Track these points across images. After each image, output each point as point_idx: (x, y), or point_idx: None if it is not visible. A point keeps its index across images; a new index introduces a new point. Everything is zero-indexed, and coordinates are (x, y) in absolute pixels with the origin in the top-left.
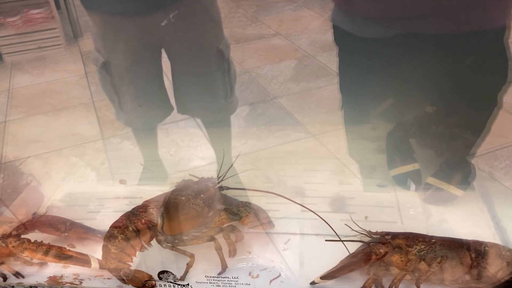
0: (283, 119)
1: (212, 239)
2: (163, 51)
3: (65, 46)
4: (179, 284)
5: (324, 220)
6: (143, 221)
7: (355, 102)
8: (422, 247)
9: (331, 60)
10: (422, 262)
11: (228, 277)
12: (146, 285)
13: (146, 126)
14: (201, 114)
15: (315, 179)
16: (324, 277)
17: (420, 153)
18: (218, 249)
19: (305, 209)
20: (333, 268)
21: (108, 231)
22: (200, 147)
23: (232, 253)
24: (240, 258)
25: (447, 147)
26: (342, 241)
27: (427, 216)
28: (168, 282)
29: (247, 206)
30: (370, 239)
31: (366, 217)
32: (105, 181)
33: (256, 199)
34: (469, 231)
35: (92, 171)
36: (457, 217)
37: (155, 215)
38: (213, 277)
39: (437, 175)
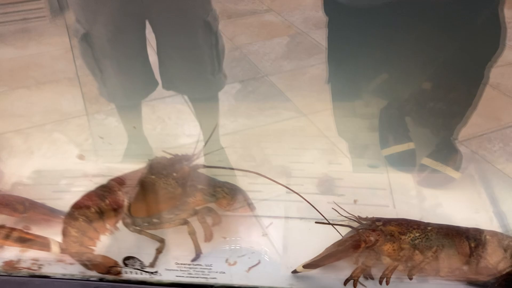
0: (274, 97)
1: (185, 222)
2: (147, 22)
3: (50, 18)
4: (147, 271)
5: (310, 203)
6: (108, 201)
7: (344, 77)
8: (417, 235)
9: (324, 38)
10: (416, 252)
11: (201, 265)
12: (111, 271)
13: (130, 102)
14: (187, 90)
15: (303, 158)
16: (307, 266)
17: (416, 132)
18: (192, 234)
19: (290, 190)
20: (318, 256)
21: (68, 212)
22: (188, 125)
23: (208, 237)
24: (216, 244)
25: (445, 126)
26: (331, 224)
27: (421, 200)
28: (134, 268)
29: (225, 186)
30: (359, 225)
31: (355, 201)
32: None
33: (238, 180)
34: (466, 217)
35: (75, 147)
36: (453, 201)
37: (121, 195)
38: (184, 264)
39: (433, 156)
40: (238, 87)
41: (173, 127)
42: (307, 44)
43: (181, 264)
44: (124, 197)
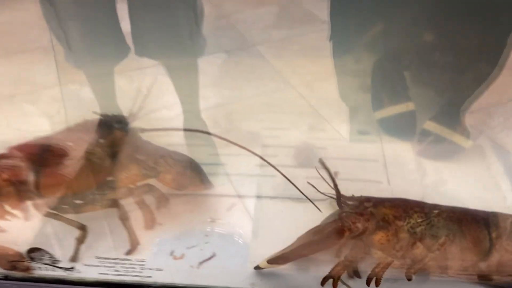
0: (262, 68)
1: (115, 204)
2: None
3: None
4: (60, 267)
5: (285, 176)
6: (5, 176)
7: (346, 32)
8: (418, 220)
9: (316, 6)
10: (418, 243)
11: (130, 260)
12: (17, 266)
13: (99, 69)
14: (163, 56)
15: (278, 124)
16: (273, 261)
17: (416, 92)
18: (124, 219)
19: (258, 163)
20: (287, 248)
21: None
22: (168, 97)
23: (149, 224)
24: (160, 232)
25: (453, 83)
26: (313, 202)
27: (421, 175)
28: (43, 263)
29: (170, 157)
30: (342, 206)
31: (335, 173)
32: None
33: (194, 151)
34: (474, 196)
35: (46, 119)
36: (460, 177)
37: (24, 167)
38: (108, 259)
39: (438, 119)
40: (223, 57)
41: (152, 99)
42: (298, 12)
43: (104, 258)
44: (29, 170)
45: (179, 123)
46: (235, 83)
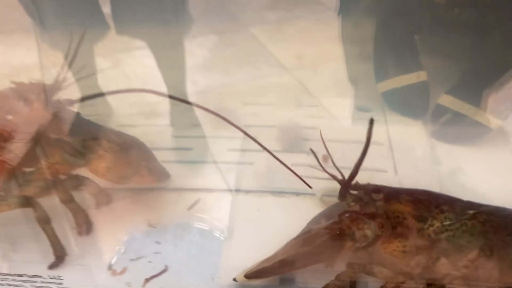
0: (255, 51)
1: (28, 203)
2: None
3: None
4: None
5: (273, 154)
6: None
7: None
8: (446, 223)
9: None
10: (442, 259)
11: (42, 277)
12: None
13: (77, 48)
14: (144, 35)
15: (259, 99)
16: (252, 275)
17: (429, 59)
18: (43, 222)
19: (225, 148)
20: (269, 259)
21: None
22: (154, 81)
23: (82, 228)
24: (97, 239)
25: (476, 48)
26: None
27: (435, 162)
28: None
29: (106, 138)
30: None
31: (324, 157)
32: None
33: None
34: (500, 189)
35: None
36: (482, 165)
37: None
38: (12, 275)
39: (456, 93)
40: (214, 39)
41: (138, 83)
42: None
43: (6, 275)
44: None
45: (165, 108)
46: (226, 66)
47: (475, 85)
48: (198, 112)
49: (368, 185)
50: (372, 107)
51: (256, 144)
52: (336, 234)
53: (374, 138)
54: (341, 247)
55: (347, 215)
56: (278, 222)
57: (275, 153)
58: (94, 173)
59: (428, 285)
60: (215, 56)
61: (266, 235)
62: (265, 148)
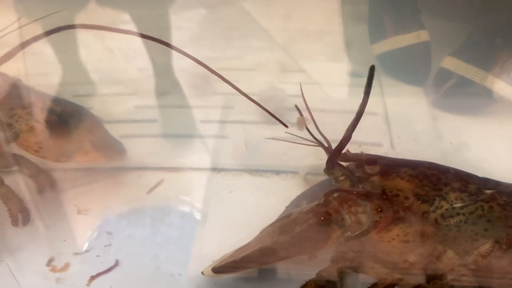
0: (246, 26)
1: None
2: None
3: None
4: None
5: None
6: None
7: None
8: (457, 204)
9: None
10: (449, 251)
11: None
12: None
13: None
14: (127, 5)
15: (238, 63)
16: (220, 269)
17: (431, 19)
18: None
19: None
20: (241, 250)
21: None
22: (141, 57)
23: (19, 219)
24: (36, 229)
25: (486, 2)
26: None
27: (436, 136)
28: None
29: (38, 106)
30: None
31: (300, 123)
32: None
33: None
34: (508, 167)
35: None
36: (491, 138)
37: None
38: None
39: (462, 54)
40: (203, 13)
41: (122, 59)
42: None
43: None
44: None
45: (150, 86)
46: (216, 42)
47: (484, 45)
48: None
49: (362, 155)
50: (366, 72)
51: (233, 116)
52: (321, 220)
53: (367, 107)
54: (327, 237)
55: (335, 194)
56: (256, 205)
57: (254, 125)
58: (25, 149)
59: (428, 281)
60: (203, 31)
61: (241, 220)
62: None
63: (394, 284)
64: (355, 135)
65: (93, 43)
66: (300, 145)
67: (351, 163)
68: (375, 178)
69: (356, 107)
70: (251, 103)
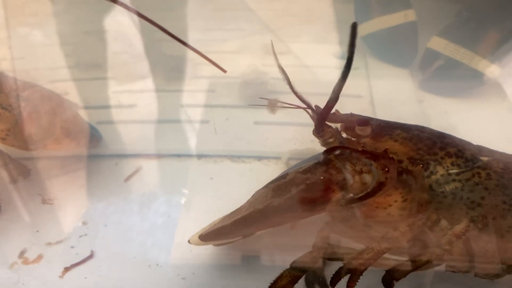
0: (236, 8)
1: None
2: None
3: None
4: None
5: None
6: None
7: None
8: (453, 170)
9: None
10: (443, 221)
11: None
12: None
13: None
14: None
15: (221, 46)
16: (208, 237)
17: (419, 1)
18: None
19: (177, 104)
20: (230, 216)
21: None
22: (119, 40)
23: None
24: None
25: None
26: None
27: (424, 118)
28: None
29: (6, 92)
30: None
31: (272, 104)
32: None
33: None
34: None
35: None
36: (479, 119)
37: None
38: None
39: (450, 34)
40: None
41: (99, 42)
42: None
43: None
44: None
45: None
46: (206, 24)
47: (473, 24)
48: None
49: (352, 115)
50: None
51: (214, 99)
52: (320, 180)
53: (352, 90)
54: (326, 200)
55: (336, 152)
56: (237, 192)
57: (236, 109)
58: None
59: (413, 261)
60: (193, 13)
61: (222, 207)
62: None
63: (380, 254)
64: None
65: (70, 26)
66: (283, 129)
67: (340, 126)
68: (367, 140)
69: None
70: (233, 86)
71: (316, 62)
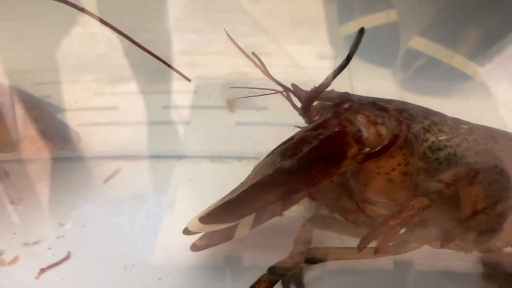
0: (231, 10)
1: None
2: None
3: None
4: None
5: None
6: None
7: None
8: (442, 137)
9: None
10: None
11: None
12: None
13: None
14: None
15: (205, 47)
16: (209, 219)
17: (400, 0)
18: None
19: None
20: (235, 191)
21: None
22: (101, 42)
23: None
24: None
25: None
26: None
27: None
28: None
29: None
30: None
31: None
32: None
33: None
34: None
35: None
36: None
37: None
38: None
39: (430, 34)
40: None
41: (81, 44)
42: None
43: None
44: None
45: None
46: (201, 26)
47: (453, 23)
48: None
49: (332, 91)
50: (335, 54)
51: (194, 100)
52: (335, 132)
53: (335, 88)
54: (342, 156)
55: (346, 105)
56: (216, 193)
57: (217, 110)
58: None
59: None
60: (187, 14)
61: (201, 210)
62: None
63: (372, 235)
64: None
65: (51, 28)
66: (263, 130)
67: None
68: (357, 108)
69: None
70: (214, 88)
71: (301, 62)
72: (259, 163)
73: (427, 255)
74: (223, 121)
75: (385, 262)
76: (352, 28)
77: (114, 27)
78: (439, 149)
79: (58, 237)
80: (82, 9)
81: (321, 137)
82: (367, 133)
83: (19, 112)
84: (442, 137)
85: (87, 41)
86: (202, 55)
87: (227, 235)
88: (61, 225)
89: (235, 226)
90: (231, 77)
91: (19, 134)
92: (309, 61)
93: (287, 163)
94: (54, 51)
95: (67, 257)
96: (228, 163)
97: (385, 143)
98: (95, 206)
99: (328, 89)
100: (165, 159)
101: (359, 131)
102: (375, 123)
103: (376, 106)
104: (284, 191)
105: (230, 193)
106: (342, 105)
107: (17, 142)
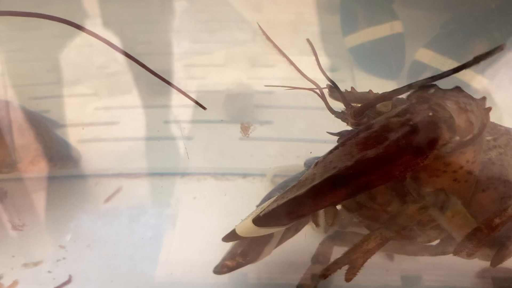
0: (228, 17)
1: None
2: None
3: None
4: None
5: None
6: None
7: None
8: (489, 137)
9: None
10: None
11: None
12: None
13: None
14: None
15: (206, 57)
16: (267, 219)
17: (404, 9)
18: None
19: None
20: (298, 190)
21: None
22: (101, 54)
23: None
24: None
25: None
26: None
27: None
28: None
29: None
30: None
31: (243, 128)
32: None
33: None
34: None
35: None
36: None
37: None
38: None
39: (436, 46)
40: (185, 5)
41: (81, 56)
42: None
43: None
44: None
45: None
46: (197, 34)
47: (459, 35)
48: (132, 76)
49: (370, 92)
50: (339, 66)
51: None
52: (428, 117)
53: (340, 103)
54: (433, 144)
55: (431, 90)
56: (221, 212)
57: (220, 125)
58: None
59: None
60: (185, 22)
61: (206, 229)
62: None
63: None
64: (327, 135)
65: (51, 41)
66: (268, 145)
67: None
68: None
69: (318, 104)
70: (218, 101)
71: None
72: (320, 160)
73: (435, 271)
74: (226, 135)
75: (393, 278)
76: (356, 40)
77: (117, 46)
78: (489, 149)
79: (58, 260)
80: (80, 28)
81: (411, 122)
82: (458, 119)
83: (18, 131)
84: (489, 137)
85: (87, 53)
86: (202, 66)
87: (259, 253)
88: (62, 247)
89: (265, 244)
90: (234, 89)
91: (17, 155)
92: (312, 73)
93: (371, 153)
94: (52, 63)
95: (69, 280)
96: (233, 181)
97: (475, 131)
98: (95, 227)
99: (365, 90)
100: (168, 176)
101: (451, 117)
102: (465, 110)
103: (463, 93)
104: (359, 186)
105: (289, 191)
106: (427, 90)
107: (15, 163)
